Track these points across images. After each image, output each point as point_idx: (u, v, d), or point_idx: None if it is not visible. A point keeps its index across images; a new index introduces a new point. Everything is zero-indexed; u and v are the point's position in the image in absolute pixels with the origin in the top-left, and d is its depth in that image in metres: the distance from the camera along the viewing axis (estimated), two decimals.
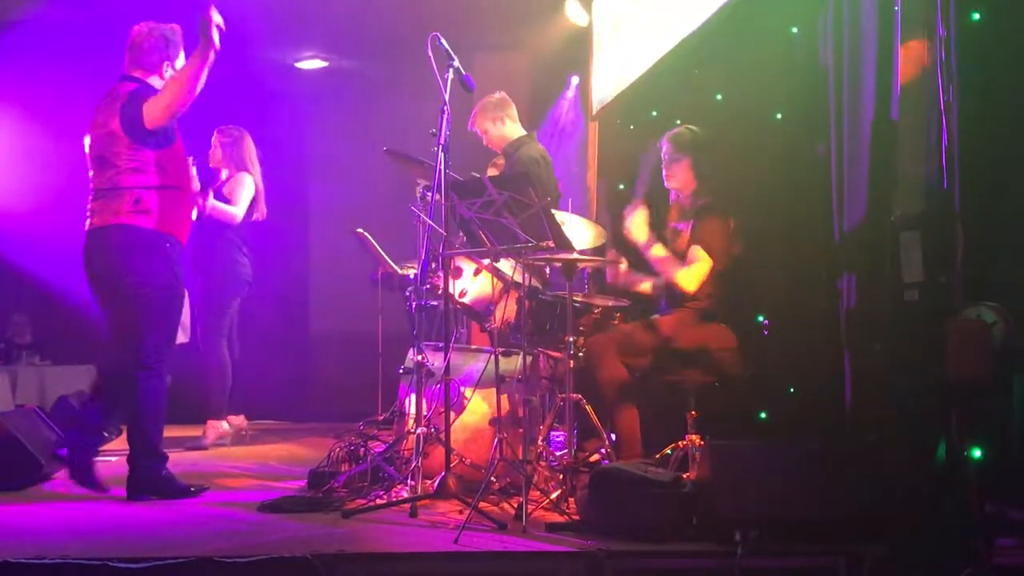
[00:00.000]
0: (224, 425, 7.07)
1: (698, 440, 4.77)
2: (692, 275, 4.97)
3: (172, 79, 4.96)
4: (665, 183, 5.18)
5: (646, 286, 5.36)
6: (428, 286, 5.20)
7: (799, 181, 5.10)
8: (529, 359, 4.97)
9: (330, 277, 9.48)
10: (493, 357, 4.76)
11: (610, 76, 7.68)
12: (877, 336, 4.29)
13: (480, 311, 5.25)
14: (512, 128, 6.47)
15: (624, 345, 4.92)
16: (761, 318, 5.33)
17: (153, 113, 4.88)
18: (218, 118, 7.59)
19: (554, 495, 4.49)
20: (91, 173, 5.07)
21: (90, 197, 5.05)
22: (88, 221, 5.02)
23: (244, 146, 7.16)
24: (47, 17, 8.05)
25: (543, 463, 4.76)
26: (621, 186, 6.99)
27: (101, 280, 4.99)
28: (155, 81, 5.06)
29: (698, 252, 4.96)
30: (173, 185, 5.01)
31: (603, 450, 4.91)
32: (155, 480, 4.92)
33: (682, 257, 5.03)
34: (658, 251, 5.09)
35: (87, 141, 5.08)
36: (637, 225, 5.13)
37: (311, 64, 9.65)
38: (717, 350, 4.91)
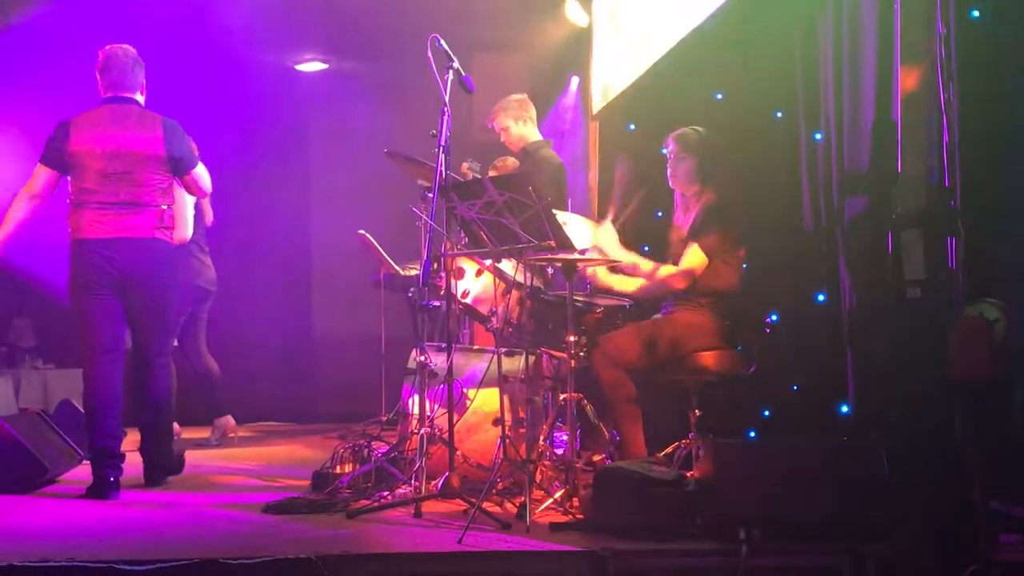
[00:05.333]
0: (230, 419, 7.07)
1: (701, 439, 4.77)
2: (683, 272, 4.93)
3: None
4: (669, 182, 5.17)
5: (626, 285, 5.26)
6: (430, 287, 5.19)
7: (800, 180, 5.10)
8: (532, 359, 4.97)
9: (333, 279, 9.50)
10: (496, 357, 4.77)
11: (610, 76, 7.68)
12: (879, 333, 4.29)
13: (482, 312, 5.25)
14: (532, 130, 6.55)
15: (619, 354, 4.85)
16: (763, 316, 5.33)
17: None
18: (217, 121, 7.60)
19: (557, 495, 4.49)
20: (94, 184, 5.15)
21: (98, 208, 5.14)
22: (113, 229, 5.13)
23: None
24: (43, 19, 8.04)
25: (546, 462, 4.76)
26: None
27: (144, 286, 5.22)
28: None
29: (693, 248, 4.91)
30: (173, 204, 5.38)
31: (606, 449, 4.91)
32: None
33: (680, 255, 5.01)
34: (642, 265, 5.06)
35: (100, 151, 5.15)
36: (608, 245, 5.04)
37: (311, 66, 9.66)
38: (701, 350, 4.86)
